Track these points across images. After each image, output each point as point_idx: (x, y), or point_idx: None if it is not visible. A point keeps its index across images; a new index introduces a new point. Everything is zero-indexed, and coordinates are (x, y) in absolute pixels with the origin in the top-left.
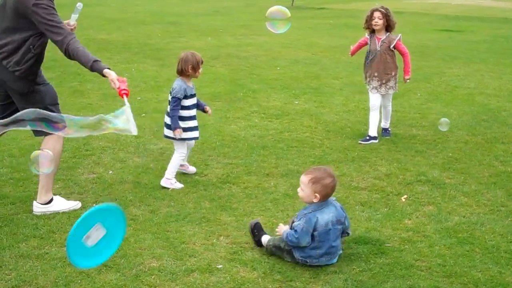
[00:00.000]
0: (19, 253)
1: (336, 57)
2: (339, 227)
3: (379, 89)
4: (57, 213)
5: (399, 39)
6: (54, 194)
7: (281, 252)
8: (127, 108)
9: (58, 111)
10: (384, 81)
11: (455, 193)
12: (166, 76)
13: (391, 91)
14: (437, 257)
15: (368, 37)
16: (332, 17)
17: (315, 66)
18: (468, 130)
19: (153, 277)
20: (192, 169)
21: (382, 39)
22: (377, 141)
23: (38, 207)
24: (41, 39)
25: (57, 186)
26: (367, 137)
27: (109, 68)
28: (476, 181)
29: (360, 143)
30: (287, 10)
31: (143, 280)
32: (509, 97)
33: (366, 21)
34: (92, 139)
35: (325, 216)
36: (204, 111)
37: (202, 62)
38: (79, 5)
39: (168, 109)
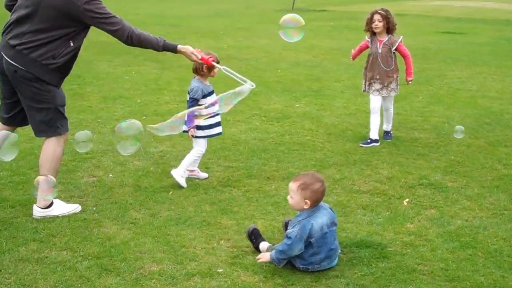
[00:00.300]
0: (19, 257)
1: (337, 59)
2: (334, 228)
3: (380, 92)
4: (57, 216)
5: (400, 41)
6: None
7: None
8: (225, 69)
9: (65, 112)
10: (386, 84)
11: (458, 197)
12: (167, 79)
13: (392, 94)
14: (439, 261)
15: (369, 40)
16: (333, 19)
17: (316, 69)
18: (471, 133)
19: (153, 281)
20: (203, 174)
21: (383, 41)
22: (378, 144)
23: (38, 211)
24: (81, 34)
25: (56, 189)
26: (368, 140)
27: (179, 45)
28: (479, 185)
29: (361, 146)
30: (301, 18)
31: (143, 284)
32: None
33: (367, 23)
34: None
35: (319, 221)
36: None
37: (218, 62)
38: None
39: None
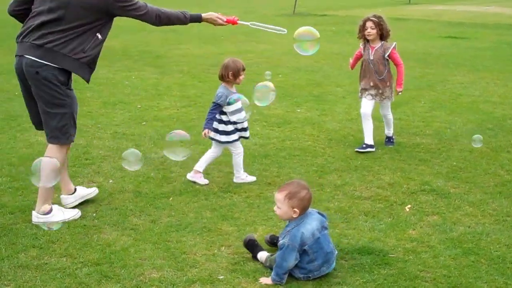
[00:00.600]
0: (18, 263)
1: (338, 64)
2: (326, 231)
3: (374, 98)
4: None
5: (393, 48)
6: (53, 203)
7: None
8: (253, 24)
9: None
10: (380, 91)
11: (460, 203)
12: (167, 84)
13: (386, 101)
14: (442, 268)
15: (362, 47)
16: (334, 24)
17: (317, 74)
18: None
19: None
20: (204, 180)
21: (375, 48)
22: (373, 149)
23: (37, 217)
24: (107, 26)
25: (56, 195)
26: (364, 145)
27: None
28: (481, 191)
29: (356, 151)
30: (315, 31)
31: None
32: None
33: (359, 31)
34: (91, 148)
35: (309, 227)
36: None
37: (243, 69)
38: None
39: (217, 116)
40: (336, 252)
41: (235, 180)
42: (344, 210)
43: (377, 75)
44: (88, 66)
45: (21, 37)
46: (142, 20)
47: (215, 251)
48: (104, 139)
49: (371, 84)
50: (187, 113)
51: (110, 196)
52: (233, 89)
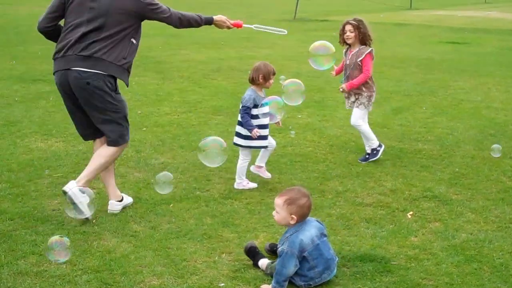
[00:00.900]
0: (18, 270)
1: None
2: (325, 238)
3: (352, 105)
4: (61, 228)
5: (369, 53)
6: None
7: None
8: (257, 26)
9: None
10: (356, 97)
11: (462, 210)
12: (167, 90)
13: (361, 107)
14: (444, 275)
15: (344, 51)
16: (335, 29)
17: (319, 79)
18: (475, 144)
19: None
20: (267, 174)
21: (353, 52)
22: (383, 147)
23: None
24: (138, 30)
25: (56, 201)
26: (374, 151)
27: (214, 16)
28: (484, 197)
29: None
30: (331, 45)
31: None
32: None
33: (340, 35)
34: (91, 154)
35: (308, 234)
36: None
37: (274, 73)
38: None
39: (239, 118)
40: (337, 259)
41: (235, 186)
42: (346, 217)
43: (351, 81)
44: (128, 71)
45: (62, 52)
46: (167, 23)
47: (216, 258)
48: None
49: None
50: (188, 118)
51: None
52: (261, 93)
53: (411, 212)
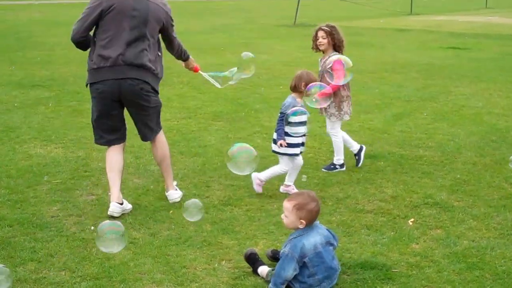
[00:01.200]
0: (16, 277)
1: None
2: (331, 247)
3: (323, 113)
4: (60, 235)
5: (337, 61)
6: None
7: None
8: (204, 75)
9: None
10: (328, 106)
11: (464, 216)
12: (167, 95)
13: (333, 119)
14: (446, 283)
15: (319, 59)
16: None
17: None
18: (476, 151)
19: None
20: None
21: (324, 59)
22: (343, 169)
23: (177, 192)
24: (159, 42)
25: (55, 208)
26: (332, 166)
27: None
28: (486, 204)
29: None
30: (349, 60)
31: None
32: None
33: (313, 41)
34: (90, 160)
35: (311, 240)
36: None
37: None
38: None
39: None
40: (339, 269)
41: (253, 174)
42: (346, 224)
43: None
44: (159, 80)
45: (110, 61)
46: (172, 43)
47: (216, 265)
48: (103, 151)
49: None
50: (187, 124)
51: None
52: (300, 102)
53: (412, 219)
